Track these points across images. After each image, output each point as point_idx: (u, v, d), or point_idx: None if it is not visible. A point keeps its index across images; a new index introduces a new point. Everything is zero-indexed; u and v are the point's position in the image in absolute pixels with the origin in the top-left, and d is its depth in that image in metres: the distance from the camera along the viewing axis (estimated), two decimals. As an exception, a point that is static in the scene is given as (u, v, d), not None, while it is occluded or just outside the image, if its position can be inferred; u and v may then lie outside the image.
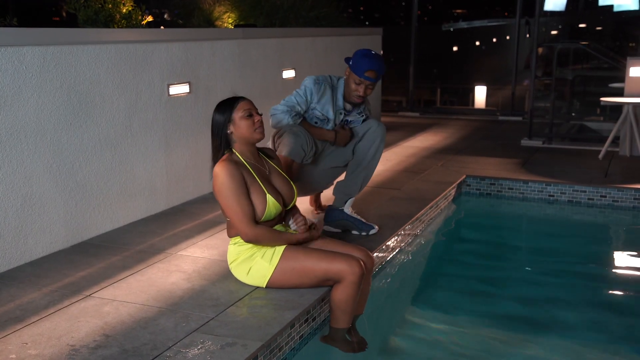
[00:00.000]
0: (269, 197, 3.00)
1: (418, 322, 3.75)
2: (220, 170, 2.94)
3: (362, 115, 4.04)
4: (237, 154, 3.05)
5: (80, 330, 2.73)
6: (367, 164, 3.99)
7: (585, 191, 5.46)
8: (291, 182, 3.21)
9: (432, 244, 4.84)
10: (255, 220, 2.99)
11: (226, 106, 3.03)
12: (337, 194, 4.04)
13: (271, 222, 3.08)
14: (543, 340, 3.43)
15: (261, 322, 2.78)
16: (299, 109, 3.80)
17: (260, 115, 3.07)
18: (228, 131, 3.02)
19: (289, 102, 3.80)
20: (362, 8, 20.74)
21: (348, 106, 3.94)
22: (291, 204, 3.19)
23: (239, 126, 3.01)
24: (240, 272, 3.12)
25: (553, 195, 5.56)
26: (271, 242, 3.01)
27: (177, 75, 4.69)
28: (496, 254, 4.81)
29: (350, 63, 3.80)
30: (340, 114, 3.93)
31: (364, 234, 3.98)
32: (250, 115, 3.02)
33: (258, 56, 5.76)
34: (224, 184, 2.93)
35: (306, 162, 3.81)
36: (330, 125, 3.91)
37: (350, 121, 4.03)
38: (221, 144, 3.03)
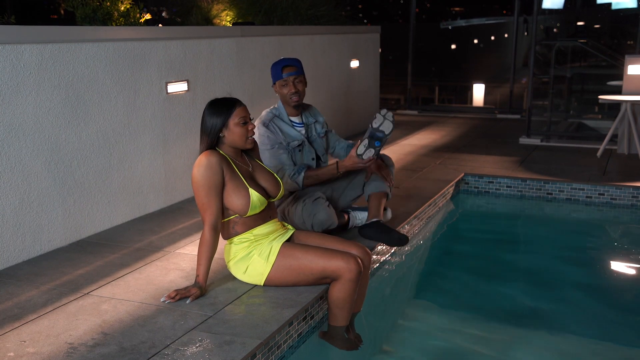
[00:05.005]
0: (252, 191, 3.00)
1: (416, 320, 3.75)
2: (202, 160, 2.95)
3: (323, 127, 4.03)
4: (221, 152, 3.06)
5: (78, 328, 2.73)
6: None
7: (583, 189, 5.47)
8: (275, 175, 3.22)
9: (430, 241, 4.84)
10: (240, 215, 3.02)
11: (222, 109, 3.01)
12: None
13: (259, 215, 3.08)
14: (541, 338, 3.44)
15: (259, 320, 2.78)
16: (288, 161, 3.77)
17: (252, 120, 3.09)
18: (220, 134, 3.03)
19: (278, 162, 3.75)
20: (360, 6, 20.74)
21: (296, 118, 3.90)
22: (278, 196, 3.19)
23: (233, 132, 3.02)
24: (237, 271, 3.12)
25: (551, 193, 5.56)
26: (200, 252, 2.98)
27: (175, 73, 4.69)
28: (494, 252, 4.81)
29: (272, 78, 3.82)
30: (301, 127, 3.91)
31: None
32: (245, 123, 3.03)
33: (256, 54, 5.76)
34: (201, 174, 2.93)
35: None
36: (307, 144, 3.88)
37: (318, 133, 4.00)
38: (209, 144, 3.03)
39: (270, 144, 3.73)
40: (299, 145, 3.83)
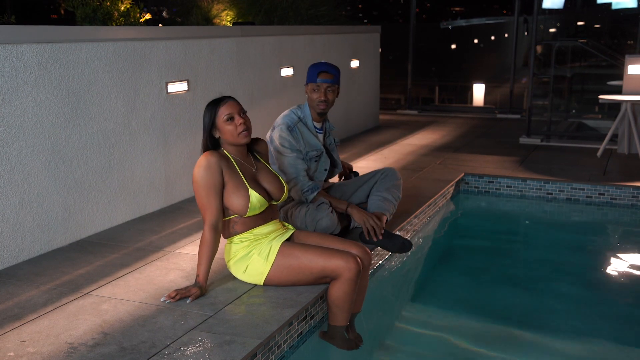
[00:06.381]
0: (252, 192, 3.00)
1: (416, 320, 3.75)
2: (202, 161, 2.97)
3: (333, 140, 4.01)
4: (225, 151, 3.07)
5: (78, 328, 2.73)
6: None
7: (583, 189, 5.47)
8: (280, 178, 3.21)
9: (430, 241, 4.84)
10: (240, 215, 3.02)
11: (210, 109, 3.03)
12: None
13: (260, 215, 3.08)
14: (541, 338, 3.44)
15: (259, 320, 2.78)
16: (304, 165, 3.73)
17: (245, 114, 3.05)
18: (216, 136, 3.04)
19: (294, 170, 3.70)
20: (360, 6, 20.74)
21: (318, 124, 3.87)
22: (282, 199, 3.19)
23: (223, 131, 3.02)
24: (237, 270, 3.12)
25: (551, 193, 5.56)
26: (200, 252, 2.98)
27: (176, 73, 4.69)
28: (494, 252, 4.81)
29: (306, 78, 3.78)
30: (321, 134, 3.89)
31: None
32: (230, 119, 3.01)
33: (256, 54, 5.76)
34: (200, 175, 2.94)
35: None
36: (324, 155, 3.86)
37: (336, 142, 4.01)
38: (209, 144, 3.05)
39: (290, 149, 3.69)
40: (317, 156, 3.81)
